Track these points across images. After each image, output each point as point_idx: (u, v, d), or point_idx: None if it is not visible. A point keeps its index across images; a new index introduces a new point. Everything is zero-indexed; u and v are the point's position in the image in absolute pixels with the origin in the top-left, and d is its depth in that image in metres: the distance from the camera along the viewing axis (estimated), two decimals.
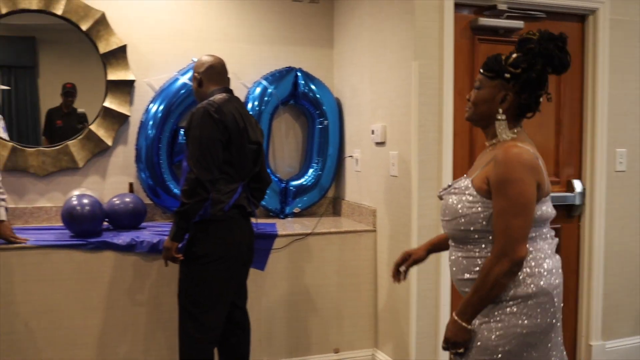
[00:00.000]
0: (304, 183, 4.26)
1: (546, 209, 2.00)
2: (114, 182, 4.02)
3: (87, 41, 3.90)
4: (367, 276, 3.86)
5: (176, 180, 3.97)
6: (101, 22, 3.86)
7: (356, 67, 4.07)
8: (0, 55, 3.88)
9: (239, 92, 4.10)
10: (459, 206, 2.03)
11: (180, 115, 3.95)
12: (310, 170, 4.29)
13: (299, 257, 3.71)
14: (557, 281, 1.99)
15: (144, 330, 3.47)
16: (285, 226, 3.90)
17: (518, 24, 3.59)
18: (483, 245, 2.00)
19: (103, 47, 3.89)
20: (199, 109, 2.90)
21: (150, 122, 3.88)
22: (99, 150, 3.95)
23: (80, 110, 4.03)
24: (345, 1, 4.24)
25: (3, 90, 3.84)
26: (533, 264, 1.95)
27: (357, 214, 4.07)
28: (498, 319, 1.94)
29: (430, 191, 3.37)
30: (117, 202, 3.70)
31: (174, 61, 4.03)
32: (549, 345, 1.97)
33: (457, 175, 3.50)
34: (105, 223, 3.70)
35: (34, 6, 3.75)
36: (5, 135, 3.81)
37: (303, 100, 4.21)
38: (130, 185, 3.98)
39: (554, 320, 1.97)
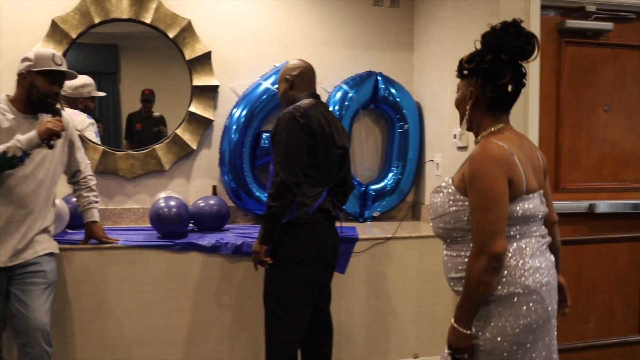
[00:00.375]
0: (384, 187, 4.28)
1: (529, 206, 1.97)
2: (198, 184, 4.15)
3: (173, 48, 4.04)
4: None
5: (258, 183, 4.06)
6: (187, 29, 4.00)
7: (437, 70, 4.06)
8: (86, 62, 4.05)
9: (322, 97, 4.17)
10: (442, 205, 2.04)
11: (262, 120, 4.04)
12: (390, 174, 4.30)
13: (379, 261, 3.73)
14: (545, 279, 1.97)
15: (228, 330, 3.56)
16: (365, 230, 3.93)
17: (607, 25, 3.50)
18: (468, 244, 1.99)
19: (189, 54, 4.02)
20: (285, 114, 2.96)
21: (234, 127, 3.98)
22: (184, 153, 4.09)
23: (156, 114, 4.19)
24: (426, 5, 4.24)
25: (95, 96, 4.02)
26: (518, 262, 1.95)
27: None
28: (490, 320, 1.95)
29: None
30: (202, 204, 3.81)
31: (256, 66, 4.13)
32: (540, 344, 1.96)
33: None
34: (191, 225, 3.81)
35: (125, 15, 3.92)
36: (97, 140, 3.98)
37: (383, 104, 4.23)
38: (214, 188, 4.09)
39: (545, 318, 1.96)
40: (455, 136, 3.75)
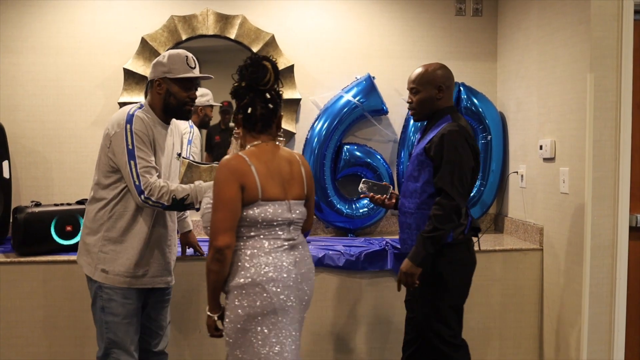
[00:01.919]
0: None
1: (268, 211, 2.32)
2: None
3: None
4: (532, 296, 3.80)
5: (339, 195, 4.14)
6: (270, 43, 4.13)
7: (522, 80, 4.03)
8: None
9: (401, 109, 4.22)
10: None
11: (343, 132, 4.12)
12: None
13: None
14: (274, 275, 2.30)
15: (309, 340, 3.63)
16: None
17: None
18: None
19: None
20: (454, 132, 2.82)
21: (315, 139, 4.08)
22: None
23: (232, 124, 4.30)
24: (510, 13, 4.22)
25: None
26: (252, 258, 2.30)
27: (522, 232, 4.01)
28: (230, 306, 2.33)
29: (606, 210, 3.27)
30: None
31: (337, 79, 4.22)
32: (266, 330, 2.29)
33: (634, 193, 3.36)
34: None
35: (211, 32, 4.09)
36: (189, 148, 4.15)
37: (466, 114, 4.22)
38: None
39: (269, 309, 2.29)
40: (541, 147, 3.71)
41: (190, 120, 4.13)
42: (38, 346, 3.52)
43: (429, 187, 2.89)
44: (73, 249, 3.43)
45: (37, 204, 3.67)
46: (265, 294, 2.29)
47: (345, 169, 4.14)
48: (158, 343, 3.03)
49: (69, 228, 3.62)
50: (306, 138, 4.16)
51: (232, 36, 4.11)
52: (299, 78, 4.21)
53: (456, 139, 2.81)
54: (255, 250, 2.33)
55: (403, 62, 4.29)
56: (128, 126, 2.71)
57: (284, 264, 2.34)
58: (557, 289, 3.60)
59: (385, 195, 3.24)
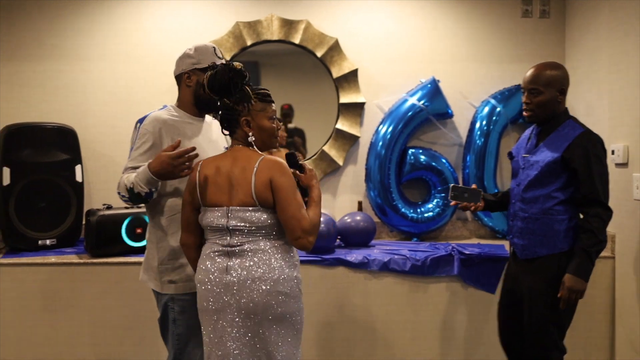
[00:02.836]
0: None
1: (206, 217, 2.44)
2: (343, 200, 4.32)
3: (318, 65, 4.26)
4: (602, 305, 3.74)
5: (404, 199, 4.17)
6: (334, 48, 4.19)
7: (592, 83, 3.98)
8: None
9: (467, 112, 4.23)
10: None
11: (408, 136, 4.15)
12: None
13: None
14: (203, 278, 2.43)
15: (373, 346, 3.67)
16: None
17: None
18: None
19: (336, 72, 4.21)
20: (597, 143, 2.87)
21: (380, 143, 4.12)
22: (331, 169, 4.27)
23: (291, 125, 4.39)
24: (579, 15, 4.17)
25: None
26: (200, 259, 2.48)
27: None
28: None
29: None
30: (349, 220, 3.96)
31: (402, 83, 4.25)
32: (207, 330, 2.45)
33: None
34: (337, 240, 3.97)
35: (275, 37, 4.18)
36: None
37: None
38: (359, 203, 4.24)
39: (201, 309, 2.46)
40: (613, 152, 3.66)
41: None
42: (110, 345, 3.66)
43: (560, 194, 2.89)
44: (142, 250, 3.53)
45: (109, 207, 3.81)
46: (199, 294, 2.47)
47: (410, 173, 4.17)
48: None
49: (139, 230, 3.75)
50: (371, 142, 4.20)
51: (297, 41, 4.18)
52: (363, 82, 4.26)
53: (600, 149, 2.86)
54: (203, 253, 2.49)
55: (468, 65, 4.30)
56: (138, 125, 2.75)
57: (212, 268, 2.42)
58: (630, 298, 3.55)
59: (479, 203, 3.19)
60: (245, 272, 2.38)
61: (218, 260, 2.42)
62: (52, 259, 3.70)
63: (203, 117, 2.85)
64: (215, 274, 2.40)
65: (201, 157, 2.68)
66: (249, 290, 2.37)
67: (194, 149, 2.50)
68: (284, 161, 2.44)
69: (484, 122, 4.15)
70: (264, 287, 2.37)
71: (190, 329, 2.72)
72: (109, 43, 4.22)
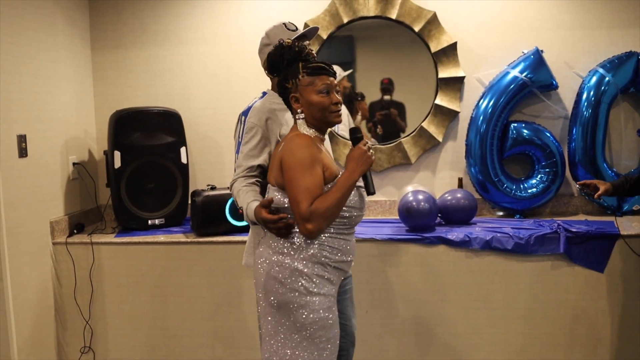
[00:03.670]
0: None
1: None
2: (443, 177, 4.28)
3: (415, 40, 4.20)
4: None
5: (505, 175, 4.07)
6: (432, 21, 4.12)
7: None
8: (322, 53, 4.29)
9: (573, 83, 4.06)
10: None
11: (510, 110, 4.03)
12: None
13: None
14: None
15: (476, 324, 3.65)
16: (624, 225, 3.73)
17: None
18: None
19: (434, 46, 4.14)
20: None
21: (481, 118, 4.03)
22: (430, 146, 4.23)
23: (387, 97, 4.33)
24: None
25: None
26: None
27: None
28: None
29: None
30: (449, 197, 3.93)
31: (503, 55, 4.12)
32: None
33: None
34: (438, 218, 3.95)
35: (372, 13, 4.16)
36: (339, 127, 4.26)
37: None
38: (460, 180, 4.18)
39: None
40: None
41: None
42: (214, 320, 3.83)
43: None
44: (246, 229, 3.66)
45: (213, 187, 3.96)
46: None
47: (512, 148, 4.06)
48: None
49: (241, 210, 3.87)
50: (471, 117, 4.12)
51: (393, 16, 4.14)
52: (462, 55, 4.16)
53: None
54: None
55: (574, 33, 4.10)
56: (242, 118, 2.80)
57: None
58: None
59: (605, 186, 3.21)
60: (260, 250, 2.45)
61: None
62: (162, 237, 3.90)
63: None
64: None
65: None
66: (257, 268, 2.43)
67: (288, 216, 2.36)
68: (301, 139, 2.34)
69: (592, 93, 3.97)
70: (262, 270, 2.40)
71: None
72: (208, 26, 4.34)
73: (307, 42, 2.84)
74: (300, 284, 2.30)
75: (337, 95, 2.40)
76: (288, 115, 2.76)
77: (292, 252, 2.34)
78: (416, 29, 4.13)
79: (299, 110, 2.40)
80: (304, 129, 2.40)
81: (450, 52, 4.13)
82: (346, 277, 2.93)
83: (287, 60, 2.39)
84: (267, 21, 4.18)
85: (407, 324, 3.71)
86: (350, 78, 4.37)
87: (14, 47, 3.54)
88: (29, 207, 3.67)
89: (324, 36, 4.18)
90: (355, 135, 2.44)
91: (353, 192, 2.34)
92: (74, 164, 4.16)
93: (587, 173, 3.97)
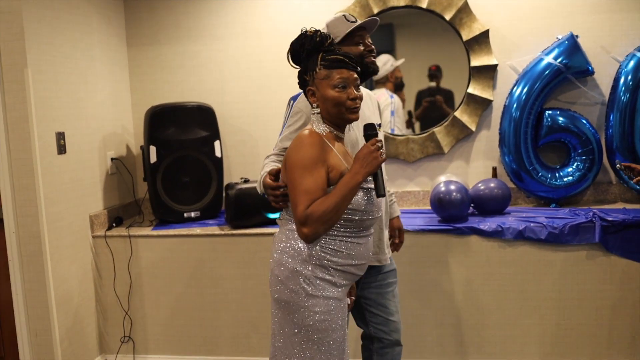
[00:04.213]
0: None
1: None
2: (477, 166, 4.24)
3: (448, 28, 4.15)
4: None
5: (540, 164, 4.01)
6: (463, 9, 4.07)
7: None
8: None
9: (609, 67, 3.97)
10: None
11: (545, 97, 3.97)
12: None
13: None
14: None
15: (503, 314, 3.62)
16: None
17: None
18: None
19: (466, 34, 4.10)
20: None
21: (514, 105, 3.97)
22: (463, 135, 4.20)
23: (432, 84, 4.31)
24: None
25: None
26: None
27: None
28: None
29: None
30: (482, 187, 3.89)
31: (537, 41, 4.05)
32: None
33: None
34: (471, 208, 3.92)
35: (402, 2, 4.14)
36: (393, 119, 4.28)
37: None
38: (494, 169, 4.14)
39: None
40: None
41: (389, 91, 4.25)
42: (249, 311, 3.90)
43: None
44: None
45: (246, 180, 4.02)
46: None
47: (547, 136, 4.00)
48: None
49: None
50: (504, 105, 4.06)
51: (424, 5, 4.11)
52: (495, 43, 4.11)
53: None
54: None
55: (610, 17, 4.00)
56: (291, 102, 2.79)
57: None
58: None
59: None
60: (273, 245, 2.37)
61: None
62: (197, 230, 3.98)
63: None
64: None
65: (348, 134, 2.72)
66: (270, 264, 2.35)
67: (285, 187, 2.34)
68: (308, 137, 2.22)
69: (630, 77, 3.86)
70: (271, 265, 2.33)
71: None
72: (239, 21, 4.39)
73: (367, 34, 2.84)
74: (299, 285, 2.21)
75: (354, 91, 2.26)
76: None
77: (293, 253, 2.24)
78: (447, 17, 4.09)
79: (314, 105, 2.30)
80: (317, 125, 2.29)
81: (482, 39, 4.08)
82: (388, 271, 2.94)
83: (307, 50, 2.29)
84: (297, 15, 4.27)
85: (440, 315, 3.70)
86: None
87: (50, 47, 3.66)
88: (68, 202, 3.78)
89: None
90: (367, 132, 2.31)
91: (359, 194, 2.23)
92: (112, 159, 4.27)
93: (625, 160, 3.87)
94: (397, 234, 3.11)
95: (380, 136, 2.93)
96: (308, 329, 2.22)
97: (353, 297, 2.55)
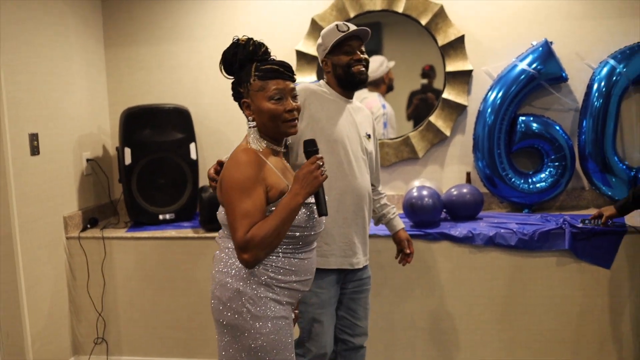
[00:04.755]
0: None
1: None
2: (451, 171, 4.25)
3: (426, 34, 4.15)
4: None
5: (513, 169, 4.03)
6: (439, 14, 4.08)
7: None
8: None
9: (583, 74, 3.99)
10: None
11: (518, 103, 3.98)
12: None
13: None
14: None
15: (480, 321, 3.64)
16: (633, 220, 3.66)
17: None
18: None
19: (441, 40, 4.11)
20: None
21: (488, 111, 3.99)
22: (438, 140, 4.21)
23: (424, 81, 4.31)
24: None
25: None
26: None
27: None
28: None
29: None
30: (455, 193, 3.91)
31: (511, 47, 4.06)
32: None
33: None
34: (444, 213, 3.93)
35: (378, 7, 4.15)
36: (385, 130, 4.29)
37: None
38: (468, 174, 4.16)
39: None
40: None
41: (382, 99, 4.25)
42: None
43: None
44: None
45: None
46: None
47: (520, 142, 4.01)
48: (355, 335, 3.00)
49: None
50: (478, 110, 4.08)
51: (400, 10, 4.12)
52: (470, 48, 4.12)
53: None
54: None
55: (585, 23, 4.02)
56: None
57: None
58: None
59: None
60: (213, 265, 2.26)
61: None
62: (172, 232, 3.98)
63: (350, 97, 2.94)
64: None
65: (334, 137, 2.79)
66: (211, 282, 2.24)
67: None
68: (244, 155, 2.10)
69: (602, 84, 3.89)
70: (211, 286, 2.22)
71: (311, 306, 2.84)
72: (217, 22, 4.39)
73: (362, 43, 2.88)
74: (244, 307, 2.10)
75: (292, 102, 2.15)
76: (333, 106, 2.84)
77: (233, 272, 2.13)
78: (423, 22, 4.10)
79: (249, 118, 2.18)
80: (253, 139, 2.18)
81: (457, 45, 4.09)
82: (364, 278, 2.99)
83: (240, 60, 2.16)
84: (275, 17, 4.26)
85: (409, 319, 3.72)
86: None
87: (25, 48, 3.65)
88: (42, 203, 3.78)
89: None
90: (307, 148, 2.18)
91: (301, 210, 2.13)
92: (87, 160, 4.26)
93: (597, 166, 3.91)
94: (407, 245, 3.16)
95: (371, 147, 2.99)
96: (257, 351, 2.12)
97: (297, 311, 2.48)
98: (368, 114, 3.06)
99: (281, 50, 4.24)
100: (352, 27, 2.82)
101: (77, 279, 4.03)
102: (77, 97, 4.19)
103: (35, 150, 3.72)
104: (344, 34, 2.79)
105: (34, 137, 3.71)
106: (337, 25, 2.82)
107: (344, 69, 2.82)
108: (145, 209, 4.14)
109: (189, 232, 3.95)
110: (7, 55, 3.49)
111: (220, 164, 2.39)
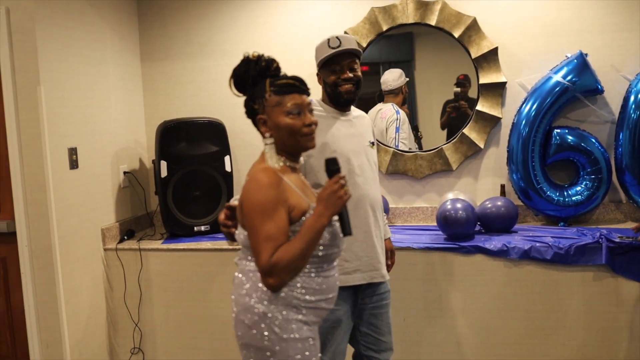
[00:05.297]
0: None
1: None
2: (485, 183, 4.22)
3: (459, 46, 4.14)
4: None
5: (548, 182, 3.99)
6: (472, 27, 4.06)
7: None
8: (382, 52, 4.36)
9: (619, 86, 3.94)
10: None
11: (553, 116, 3.94)
12: None
13: None
14: None
15: (513, 335, 3.61)
16: None
17: None
18: None
19: (475, 52, 4.09)
20: None
21: (523, 123, 3.95)
22: (472, 152, 4.19)
23: (457, 89, 4.29)
24: None
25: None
26: None
27: None
28: None
29: None
30: (489, 205, 3.88)
31: (546, 59, 4.02)
32: None
33: None
34: (478, 225, 3.91)
35: (411, 20, 4.14)
36: (397, 135, 4.28)
37: None
38: (502, 187, 4.12)
39: None
40: None
41: (395, 106, 4.26)
42: None
43: None
44: None
45: None
46: None
47: (555, 154, 3.97)
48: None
49: None
50: (513, 122, 4.05)
51: (433, 22, 4.11)
52: (503, 60, 4.09)
53: None
54: None
55: (620, 35, 3.96)
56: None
57: None
58: None
59: None
60: (234, 288, 2.22)
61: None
62: (207, 244, 4.02)
63: (347, 110, 2.92)
64: None
65: (338, 152, 2.74)
66: (233, 306, 2.22)
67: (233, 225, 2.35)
68: (264, 176, 2.06)
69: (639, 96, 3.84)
70: (234, 309, 2.19)
71: (326, 322, 2.77)
72: (250, 37, 4.43)
73: (357, 60, 2.86)
74: (271, 330, 2.07)
75: (310, 116, 2.15)
76: (332, 123, 2.83)
77: (260, 296, 2.09)
78: (456, 34, 4.09)
79: (267, 135, 2.16)
80: (271, 157, 2.15)
81: (491, 57, 4.07)
82: (383, 292, 2.97)
83: (252, 77, 2.16)
84: (306, 30, 4.29)
85: (444, 334, 3.70)
86: (410, 77, 4.40)
87: (63, 64, 3.72)
88: (80, 216, 3.85)
89: (364, 44, 4.19)
90: (329, 167, 2.13)
91: (325, 230, 2.09)
92: (124, 172, 4.33)
93: (634, 179, 3.84)
94: (390, 255, 3.16)
95: (373, 154, 2.97)
96: None
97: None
98: (368, 121, 3.05)
99: (314, 64, 4.26)
100: (345, 42, 2.76)
101: (114, 289, 4.09)
102: (114, 111, 4.26)
103: (74, 164, 3.79)
104: (333, 50, 2.76)
105: (73, 151, 3.78)
106: (328, 40, 2.79)
107: (331, 88, 2.81)
108: (180, 221, 4.18)
109: (223, 244, 3.98)
110: (47, 72, 3.56)
111: (229, 208, 2.37)
